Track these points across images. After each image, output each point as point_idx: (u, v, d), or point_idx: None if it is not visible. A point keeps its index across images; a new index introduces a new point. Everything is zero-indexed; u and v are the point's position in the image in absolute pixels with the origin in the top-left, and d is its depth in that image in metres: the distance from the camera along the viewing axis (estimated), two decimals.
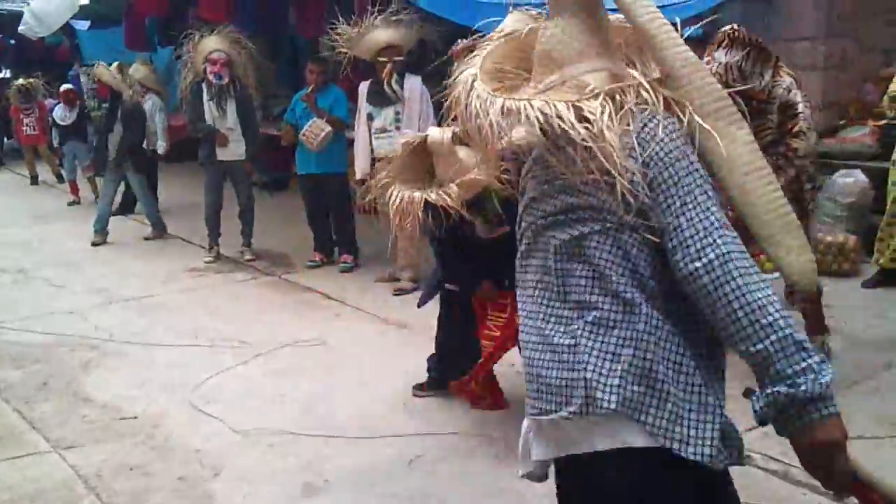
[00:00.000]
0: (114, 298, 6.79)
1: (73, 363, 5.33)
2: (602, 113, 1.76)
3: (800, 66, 7.52)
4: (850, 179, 6.75)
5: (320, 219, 7.46)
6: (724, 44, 4.45)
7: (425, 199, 3.61)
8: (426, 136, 3.79)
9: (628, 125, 1.78)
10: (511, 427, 4.12)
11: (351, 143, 7.08)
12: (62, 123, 11.27)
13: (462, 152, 3.76)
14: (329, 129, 6.96)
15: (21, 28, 13.23)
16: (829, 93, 7.53)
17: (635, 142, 1.75)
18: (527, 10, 5.30)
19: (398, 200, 3.60)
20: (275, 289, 6.94)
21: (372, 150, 6.53)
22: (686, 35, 5.96)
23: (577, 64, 1.90)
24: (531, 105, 1.79)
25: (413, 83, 6.50)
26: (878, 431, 3.91)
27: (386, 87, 6.40)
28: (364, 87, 6.69)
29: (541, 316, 1.91)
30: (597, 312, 1.81)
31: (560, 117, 1.75)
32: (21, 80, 13.46)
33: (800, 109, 4.46)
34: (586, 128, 1.75)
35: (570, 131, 1.74)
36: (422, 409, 4.47)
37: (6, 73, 19.36)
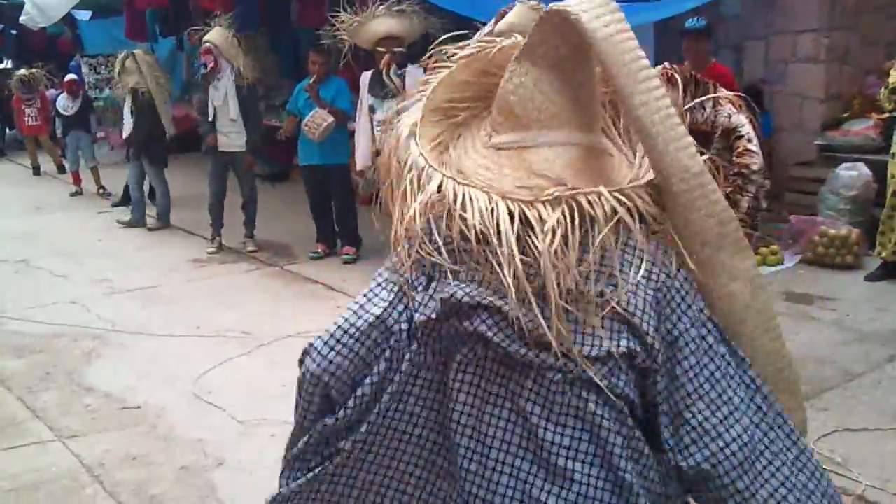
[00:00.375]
0: (116, 289, 6.79)
1: (76, 353, 5.33)
2: (557, 231, 1.31)
3: (802, 58, 7.52)
4: (854, 172, 6.74)
5: (323, 210, 7.45)
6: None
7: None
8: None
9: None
10: None
11: (353, 134, 7.07)
12: (65, 113, 11.27)
13: None
14: (331, 119, 6.96)
15: (22, 18, 13.23)
16: (832, 86, 7.51)
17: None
18: (534, 3, 5.29)
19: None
20: (277, 280, 6.94)
21: (374, 142, 6.52)
22: (689, 26, 5.99)
23: (545, 130, 1.42)
24: (473, 196, 1.36)
25: (416, 76, 6.44)
26: (882, 423, 3.92)
27: (385, 77, 6.30)
28: (366, 77, 6.65)
29: None
30: None
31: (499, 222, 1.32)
32: (23, 71, 13.45)
33: (743, 132, 4.47)
34: (529, 241, 1.32)
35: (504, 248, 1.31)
36: None
37: (8, 64, 19.32)
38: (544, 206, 1.33)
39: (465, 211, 1.35)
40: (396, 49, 6.28)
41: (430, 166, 1.42)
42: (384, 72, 6.31)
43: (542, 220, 1.32)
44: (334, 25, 6.31)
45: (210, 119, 7.62)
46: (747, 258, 1.43)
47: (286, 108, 7.95)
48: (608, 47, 1.31)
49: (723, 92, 4.54)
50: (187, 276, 7.14)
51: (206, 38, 7.62)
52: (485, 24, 5.43)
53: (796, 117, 7.64)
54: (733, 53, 7.96)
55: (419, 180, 1.42)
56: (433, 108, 1.53)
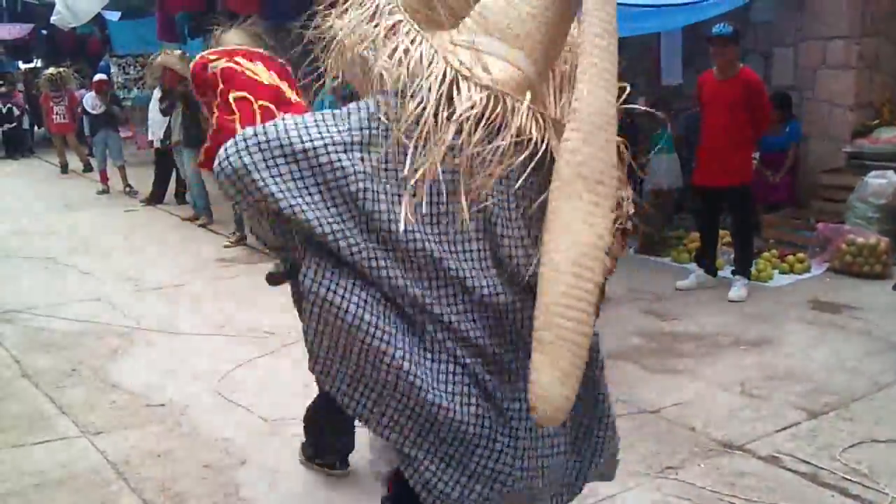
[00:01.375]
0: (142, 287, 6.84)
1: (102, 350, 5.38)
2: (471, 107, 1.52)
3: (832, 65, 7.45)
4: (883, 181, 6.67)
5: None
6: None
7: None
8: None
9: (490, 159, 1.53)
10: None
11: None
12: (93, 112, 11.40)
13: None
14: None
15: (53, 18, 13.39)
16: (862, 93, 7.43)
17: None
18: None
19: None
20: None
21: None
22: (715, 32, 6.03)
23: (504, 44, 1.63)
24: (421, 43, 1.57)
25: None
26: None
27: None
28: None
29: None
30: None
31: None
32: (51, 70, 13.62)
33: None
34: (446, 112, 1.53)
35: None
36: None
37: (38, 63, 19.59)
38: (476, 86, 1.53)
39: (410, 48, 1.54)
40: None
41: (398, 8, 1.61)
42: None
43: (468, 95, 1.52)
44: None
45: None
46: (596, 221, 1.52)
47: (312, 107, 8.00)
48: None
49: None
50: (213, 274, 7.19)
51: (240, 43, 7.63)
52: None
53: (825, 124, 7.57)
54: (762, 60, 7.90)
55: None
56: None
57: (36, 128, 16.94)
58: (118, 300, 6.44)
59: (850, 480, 3.52)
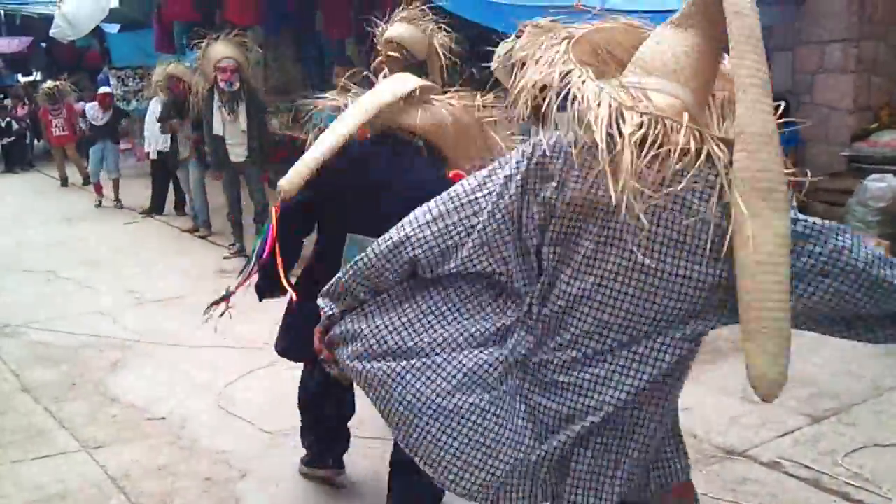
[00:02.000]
0: (142, 299, 6.84)
1: (102, 363, 5.37)
2: (637, 128, 1.77)
3: (831, 69, 7.45)
4: (883, 184, 6.65)
5: None
6: None
7: None
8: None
9: (658, 170, 1.78)
10: None
11: None
12: (95, 123, 11.44)
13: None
14: None
15: (52, 31, 13.44)
16: (861, 96, 7.43)
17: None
18: (546, 23, 5.22)
19: None
20: None
21: None
22: None
23: (663, 80, 1.90)
24: (588, 82, 1.86)
25: None
26: None
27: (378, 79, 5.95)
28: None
29: None
30: None
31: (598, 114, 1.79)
32: (49, 83, 13.66)
33: None
34: (609, 136, 1.76)
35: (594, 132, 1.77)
36: None
37: (37, 76, 19.64)
38: (637, 113, 1.78)
39: (581, 87, 1.83)
40: (391, 53, 5.76)
41: (570, 59, 1.93)
42: (379, 76, 5.91)
43: (631, 119, 1.77)
44: (366, 36, 6.14)
45: (221, 133, 7.73)
46: (782, 218, 1.79)
47: (312, 119, 7.99)
48: (739, 21, 1.83)
49: None
50: (213, 286, 7.14)
51: (225, 55, 7.64)
52: (503, 35, 5.41)
53: (824, 128, 7.57)
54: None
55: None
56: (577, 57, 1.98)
57: (36, 141, 16.98)
58: (118, 313, 6.43)
59: (852, 485, 3.51)
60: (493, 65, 5.52)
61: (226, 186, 8.12)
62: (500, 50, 5.49)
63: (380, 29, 6.10)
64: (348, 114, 3.27)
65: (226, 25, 9.08)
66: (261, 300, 3.52)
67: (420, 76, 5.94)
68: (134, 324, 6.14)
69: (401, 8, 6.05)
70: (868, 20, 7.31)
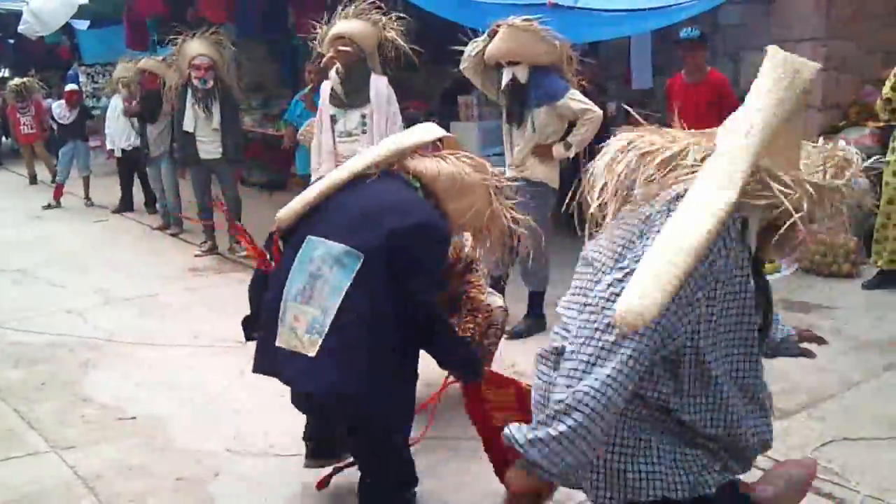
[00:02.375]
0: (114, 298, 6.78)
1: (73, 363, 5.32)
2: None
3: None
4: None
5: None
6: None
7: None
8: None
9: None
10: None
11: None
12: (62, 122, 11.27)
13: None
14: None
15: (21, 27, 13.23)
16: (830, 95, 7.52)
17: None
18: (525, 22, 5.28)
19: None
20: None
21: (335, 155, 5.98)
22: (684, 36, 6.12)
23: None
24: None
25: (379, 84, 5.95)
26: (880, 432, 3.92)
27: (331, 77, 5.85)
28: (326, 86, 6.07)
29: None
30: None
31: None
32: (16, 80, 13.48)
33: None
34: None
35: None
36: (423, 412, 4.45)
37: (5, 73, 19.37)
38: None
39: None
40: (341, 47, 5.71)
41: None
42: (330, 71, 5.85)
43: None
44: (316, 34, 6.09)
45: (191, 130, 7.68)
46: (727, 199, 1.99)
47: (284, 117, 7.96)
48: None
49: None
50: (185, 284, 7.13)
51: (200, 52, 7.60)
52: (473, 33, 5.41)
53: None
54: (731, 62, 7.97)
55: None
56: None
57: (4, 138, 16.75)
58: (89, 312, 6.37)
59: (822, 479, 3.54)
60: (463, 64, 5.54)
61: (195, 184, 8.06)
62: (470, 49, 5.51)
63: (322, 28, 6.05)
64: (369, 153, 3.28)
65: (198, 22, 9.01)
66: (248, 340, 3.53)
67: (368, 67, 5.95)
68: (105, 323, 6.08)
69: (346, 4, 5.97)
70: (836, 20, 7.40)
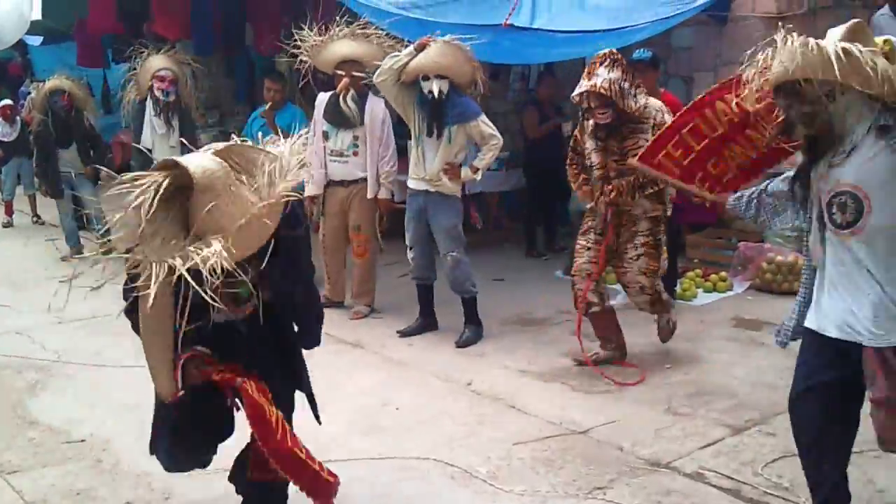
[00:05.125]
0: (63, 318, 6.63)
1: (20, 385, 5.20)
2: None
3: None
4: None
5: None
6: (605, 63, 4.84)
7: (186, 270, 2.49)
8: (187, 166, 2.57)
9: None
10: (471, 452, 4.12)
11: None
12: (4, 140, 11.00)
13: (241, 189, 2.65)
14: None
15: None
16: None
17: None
18: (457, 41, 5.47)
19: (155, 278, 2.55)
20: None
21: (326, 169, 6.35)
22: (635, 57, 6.27)
23: None
24: None
25: (375, 106, 6.19)
26: None
27: (341, 101, 6.13)
28: (322, 99, 6.36)
29: None
30: None
31: None
32: None
33: None
34: None
35: None
36: (379, 430, 4.44)
37: None
38: None
39: None
40: (356, 73, 6.06)
41: None
42: (341, 97, 6.14)
43: None
44: (294, 45, 6.11)
45: (149, 146, 7.63)
46: None
47: (242, 134, 7.92)
48: None
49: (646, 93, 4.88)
50: None
51: (163, 66, 7.61)
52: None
53: None
54: (684, 84, 8.10)
55: None
56: None
57: None
58: (38, 333, 6.24)
59: (771, 494, 3.60)
60: (380, 77, 5.60)
61: None
62: (391, 62, 5.57)
63: (311, 44, 6.13)
64: None
65: (155, 39, 8.95)
66: None
67: (366, 89, 6.13)
68: (54, 344, 5.96)
69: (355, 24, 6.11)
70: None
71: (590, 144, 5.06)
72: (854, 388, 2.90)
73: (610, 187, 4.95)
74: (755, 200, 3.41)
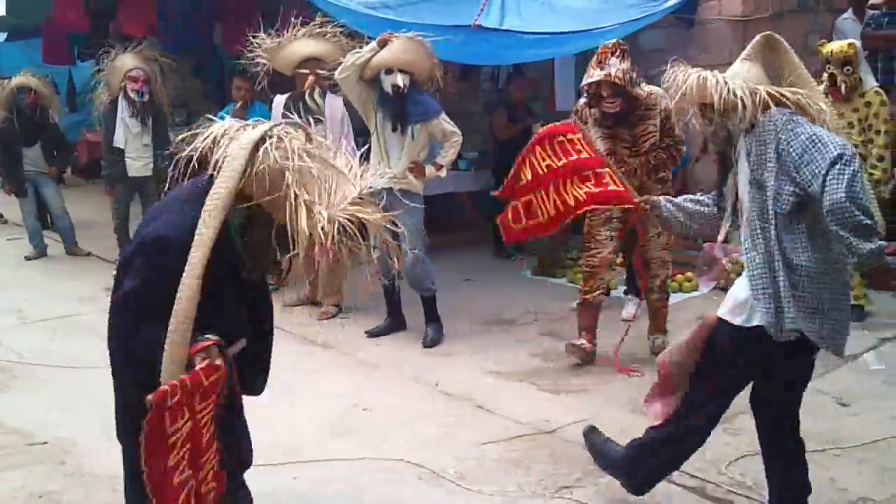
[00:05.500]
0: (27, 319, 6.56)
1: None
2: None
3: None
4: None
5: None
6: (615, 53, 5.02)
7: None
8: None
9: None
10: (441, 453, 4.12)
11: None
12: None
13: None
14: None
15: None
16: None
17: None
18: (418, 37, 5.50)
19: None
20: None
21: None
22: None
23: None
24: None
25: (335, 103, 6.27)
26: None
27: (308, 98, 6.16)
28: (280, 100, 6.38)
29: None
30: None
31: None
32: None
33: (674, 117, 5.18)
34: None
35: None
36: (349, 431, 4.43)
37: None
38: None
39: None
40: (320, 70, 6.08)
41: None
42: (307, 94, 6.16)
43: None
44: (254, 48, 6.12)
45: (122, 146, 7.55)
46: None
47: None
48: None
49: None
50: (103, 305, 6.88)
51: (135, 65, 7.53)
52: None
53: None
54: (653, 85, 8.16)
55: None
56: None
57: None
58: (2, 334, 6.15)
59: (735, 493, 3.65)
60: (343, 73, 5.60)
61: (118, 201, 7.89)
62: (353, 58, 5.57)
63: (276, 44, 6.12)
64: None
65: (121, 37, 8.86)
66: None
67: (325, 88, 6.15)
68: (19, 345, 5.88)
69: (312, 23, 6.10)
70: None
71: (594, 133, 5.19)
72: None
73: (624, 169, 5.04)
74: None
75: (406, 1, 6.74)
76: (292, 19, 6.11)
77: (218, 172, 2.56)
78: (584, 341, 5.29)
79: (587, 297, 5.37)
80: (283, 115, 6.18)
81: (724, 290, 6.69)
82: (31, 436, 4.40)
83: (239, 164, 2.52)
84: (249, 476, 3.80)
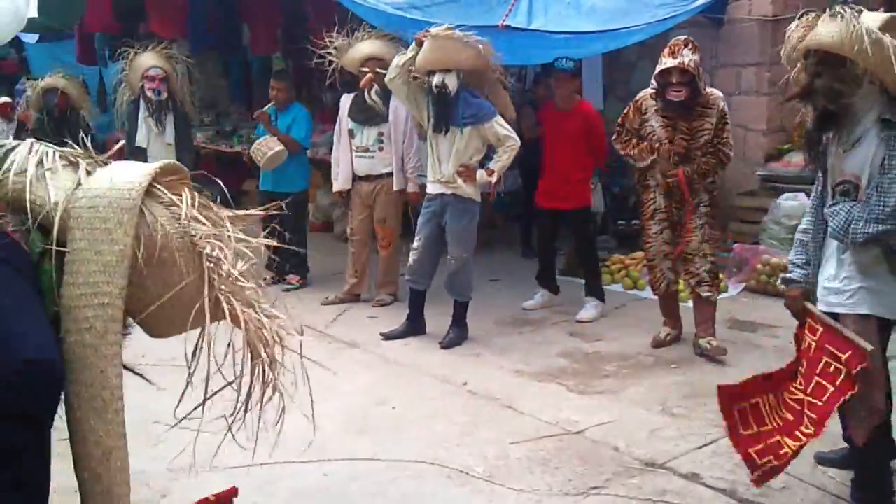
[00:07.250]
0: None
1: None
2: None
3: (745, 91, 7.71)
4: (795, 203, 6.91)
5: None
6: (688, 46, 5.13)
7: None
8: None
9: None
10: (467, 451, 4.13)
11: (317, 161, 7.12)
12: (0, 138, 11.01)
13: None
14: (279, 147, 6.94)
15: None
16: (774, 118, 7.71)
17: None
18: (448, 31, 5.50)
19: None
20: None
21: (353, 166, 6.61)
22: (557, 66, 6.51)
23: None
24: None
25: (398, 104, 6.30)
26: (822, 447, 3.98)
27: (366, 96, 6.33)
28: (346, 100, 6.66)
29: None
30: None
31: None
32: None
33: (728, 121, 5.37)
34: None
35: None
36: (372, 430, 4.45)
37: None
38: None
39: None
40: (380, 70, 6.15)
41: None
42: (365, 91, 6.31)
43: None
44: (322, 47, 6.31)
45: (144, 146, 7.62)
46: None
47: (255, 133, 7.98)
48: None
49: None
50: None
51: (153, 64, 7.56)
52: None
53: (740, 148, 7.81)
54: None
55: None
56: None
57: None
58: None
59: (763, 497, 3.61)
60: (390, 75, 5.63)
61: None
62: (398, 60, 5.59)
63: (335, 45, 6.31)
64: None
65: (149, 38, 8.93)
66: None
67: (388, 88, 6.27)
68: None
69: (354, 27, 6.35)
70: (780, 45, 7.58)
71: (655, 122, 5.32)
72: None
73: (682, 170, 5.26)
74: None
75: (433, 1, 6.76)
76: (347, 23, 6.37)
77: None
78: (668, 329, 5.57)
79: (655, 291, 5.60)
80: (350, 112, 6.55)
81: (754, 291, 6.66)
82: (61, 431, 4.44)
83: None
84: (275, 472, 3.84)
